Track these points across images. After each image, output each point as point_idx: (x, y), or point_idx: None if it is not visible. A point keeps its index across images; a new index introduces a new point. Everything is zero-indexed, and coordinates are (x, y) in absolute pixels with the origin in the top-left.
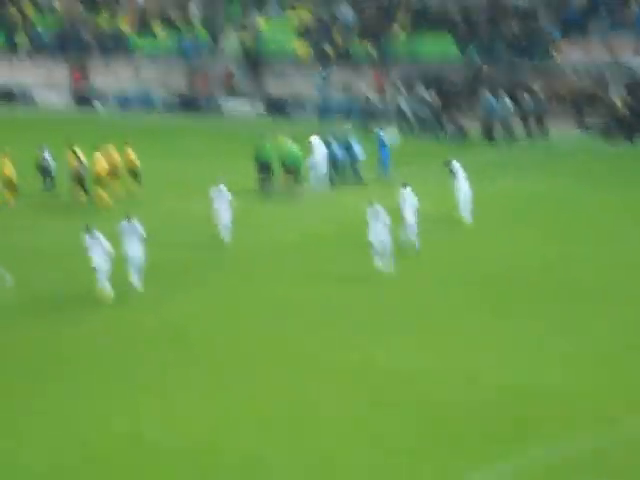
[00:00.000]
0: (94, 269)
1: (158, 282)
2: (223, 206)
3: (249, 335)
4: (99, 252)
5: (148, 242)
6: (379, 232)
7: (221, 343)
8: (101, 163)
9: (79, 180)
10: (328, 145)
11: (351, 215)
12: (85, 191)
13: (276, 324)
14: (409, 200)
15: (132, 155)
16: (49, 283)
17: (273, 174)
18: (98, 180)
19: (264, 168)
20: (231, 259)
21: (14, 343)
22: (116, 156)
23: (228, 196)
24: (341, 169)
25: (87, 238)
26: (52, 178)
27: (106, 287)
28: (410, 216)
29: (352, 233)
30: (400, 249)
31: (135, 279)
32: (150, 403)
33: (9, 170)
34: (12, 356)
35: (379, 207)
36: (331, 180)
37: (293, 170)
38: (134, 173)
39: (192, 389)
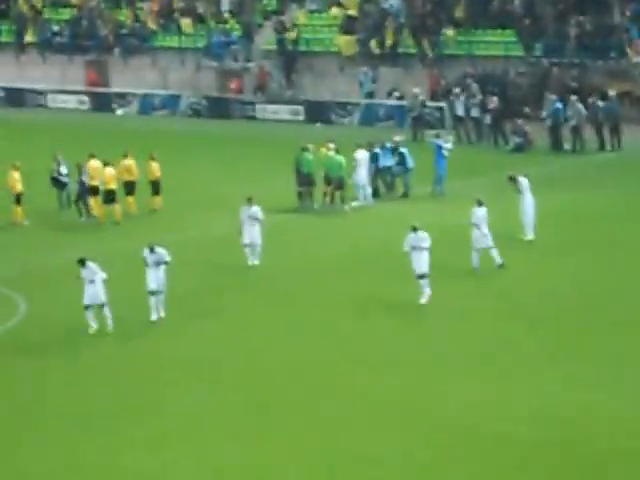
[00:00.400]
0: (86, 307)
1: (183, 309)
2: (253, 227)
3: (287, 368)
4: (93, 287)
5: (170, 264)
6: (421, 260)
7: (257, 377)
8: (106, 176)
9: (94, 194)
10: (375, 156)
11: (399, 233)
12: (86, 206)
13: (317, 355)
14: (483, 219)
15: (155, 166)
16: (63, 309)
17: (314, 187)
18: (102, 193)
19: (304, 180)
20: (264, 282)
21: (33, 373)
22: (134, 167)
23: (259, 216)
24: (389, 182)
25: (81, 271)
26: (69, 193)
27: (92, 325)
28: (485, 237)
29: (401, 254)
30: (470, 272)
31: (155, 315)
32: (181, 445)
33: (20, 185)
34: (35, 384)
35: (422, 233)
36: (378, 194)
37: (336, 183)
38: (156, 186)
39: (227, 428)
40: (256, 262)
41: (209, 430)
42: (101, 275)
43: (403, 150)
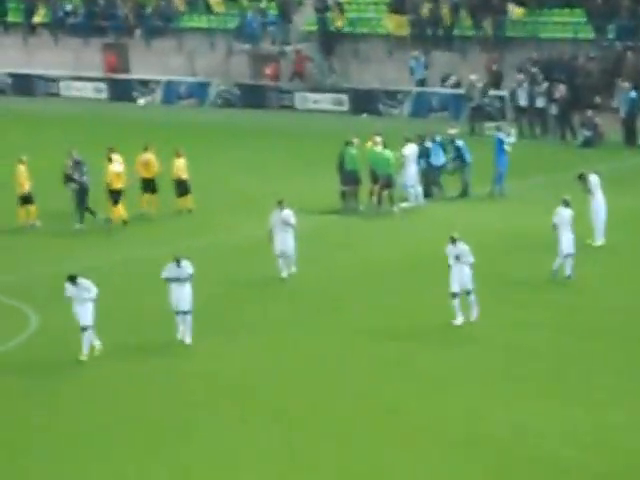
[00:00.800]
0: (83, 329)
1: (208, 324)
2: (285, 234)
3: (324, 390)
4: (84, 307)
5: (194, 275)
6: (462, 277)
7: (290, 399)
8: (114, 173)
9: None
10: (426, 151)
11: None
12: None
13: (357, 376)
14: (568, 222)
15: (181, 165)
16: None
17: (359, 186)
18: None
19: (348, 179)
20: (299, 295)
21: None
22: (153, 162)
23: (292, 221)
24: (438, 181)
25: (70, 288)
26: (84, 192)
27: (96, 344)
28: (568, 242)
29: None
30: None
31: (186, 335)
32: (207, 475)
33: (27, 182)
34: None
35: (462, 245)
36: (430, 194)
37: (384, 181)
38: (182, 187)
39: (262, 458)
40: (289, 272)
41: (238, 457)
42: (93, 293)
43: (459, 143)
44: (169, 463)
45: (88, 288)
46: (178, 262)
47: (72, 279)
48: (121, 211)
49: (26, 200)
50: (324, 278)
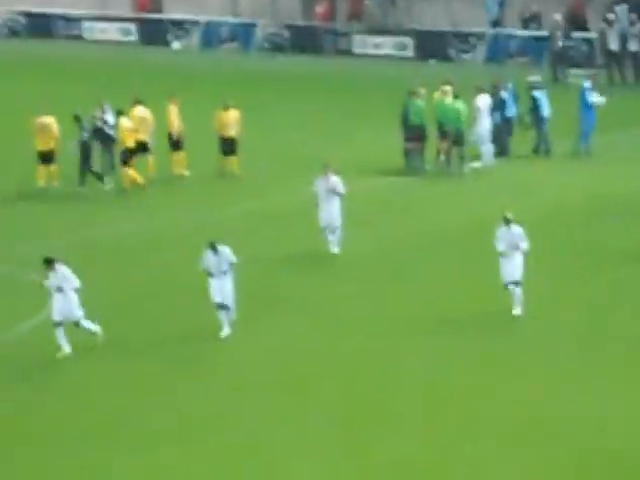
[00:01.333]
0: (57, 324)
1: (249, 306)
2: (331, 204)
3: (380, 377)
4: (62, 298)
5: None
6: (512, 265)
7: (344, 388)
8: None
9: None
10: (501, 102)
11: (530, 205)
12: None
13: (418, 363)
14: None
15: (230, 118)
16: (108, 297)
17: (426, 143)
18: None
19: (413, 134)
20: (351, 270)
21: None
22: (175, 117)
23: (339, 188)
24: (504, 139)
25: (50, 276)
26: (112, 152)
27: (64, 347)
28: None
29: (536, 228)
30: None
31: (226, 329)
32: (249, 464)
33: (51, 139)
34: None
35: (516, 228)
36: (505, 152)
37: (454, 137)
38: (229, 145)
39: (312, 449)
40: (337, 249)
41: (284, 449)
42: (73, 283)
43: (537, 94)
44: (208, 452)
45: (66, 276)
46: (214, 249)
47: (48, 263)
48: (130, 173)
49: (46, 159)
50: (380, 249)
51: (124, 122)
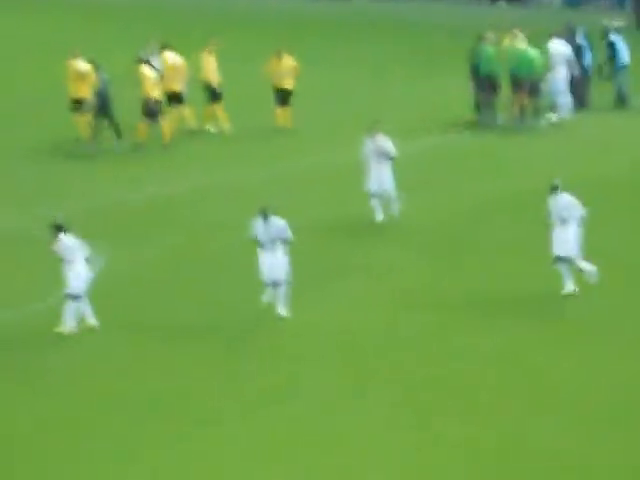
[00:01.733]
0: (68, 295)
1: (304, 277)
2: (381, 168)
3: (451, 353)
4: (75, 269)
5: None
6: (564, 238)
7: (405, 364)
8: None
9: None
10: (578, 49)
11: (611, 165)
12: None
13: (487, 338)
14: None
15: (283, 66)
16: (143, 264)
17: (497, 93)
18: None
19: (483, 84)
20: (409, 235)
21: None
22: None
23: (390, 150)
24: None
25: (62, 244)
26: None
27: (71, 323)
28: None
29: (613, 190)
30: None
31: (280, 306)
32: (294, 456)
33: (86, 86)
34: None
35: (566, 197)
36: (583, 104)
37: (528, 87)
38: (282, 96)
39: (378, 424)
40: (390, 213)
41: (347, 417)
42: (83, 253)
43: (614, 38)
44: (272, 421)
45: (75, 246)
46: (265, 217)
47: (58, 229)
48: (142, 129)
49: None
50: (443, 215)
51: (146, 71)
